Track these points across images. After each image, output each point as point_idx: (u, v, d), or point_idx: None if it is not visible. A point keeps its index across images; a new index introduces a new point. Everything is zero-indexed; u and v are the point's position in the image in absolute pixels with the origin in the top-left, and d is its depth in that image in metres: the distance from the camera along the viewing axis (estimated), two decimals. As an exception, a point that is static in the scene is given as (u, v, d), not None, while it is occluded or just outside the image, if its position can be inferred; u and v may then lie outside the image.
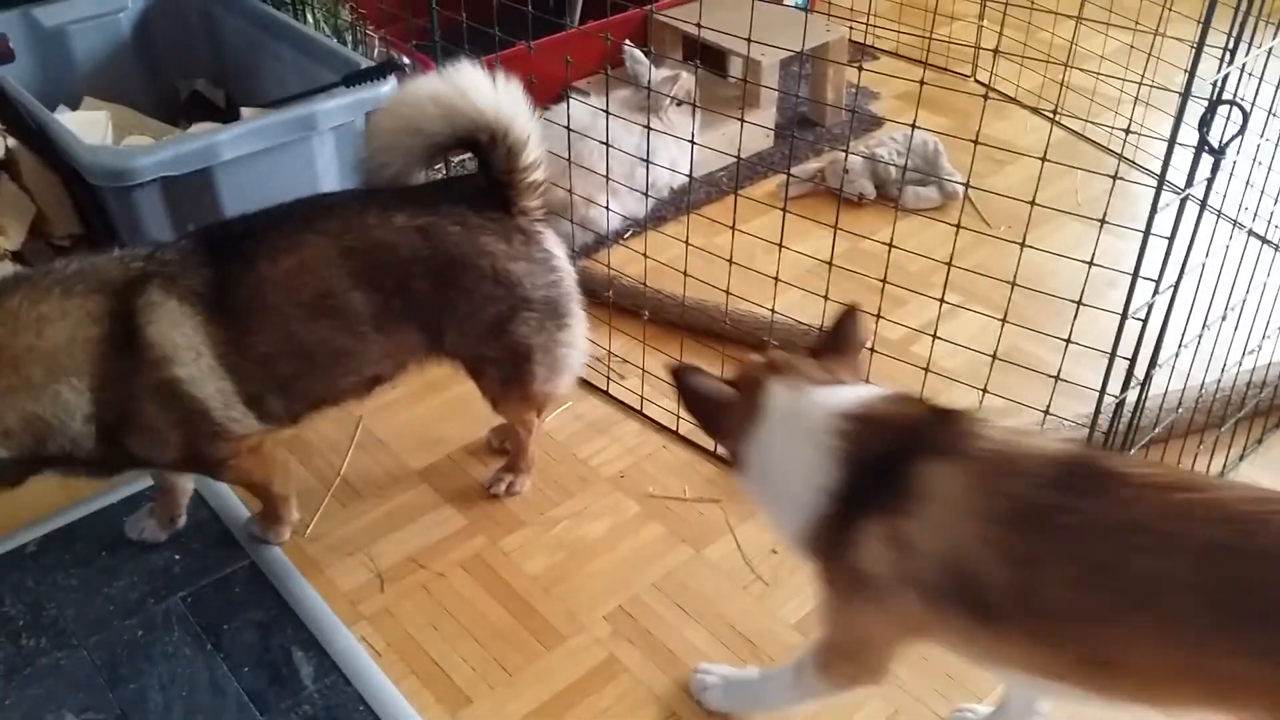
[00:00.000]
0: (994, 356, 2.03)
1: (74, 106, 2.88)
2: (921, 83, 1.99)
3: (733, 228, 2.33)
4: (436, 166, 2.65)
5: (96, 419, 1.79)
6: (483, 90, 1.93)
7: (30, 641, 2.02)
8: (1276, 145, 2.19)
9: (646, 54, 3.33)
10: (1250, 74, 1.85)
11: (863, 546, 1.51)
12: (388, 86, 2.51)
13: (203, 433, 1.90)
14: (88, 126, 2.66)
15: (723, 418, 1.62)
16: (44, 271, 1.82)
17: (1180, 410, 2.30)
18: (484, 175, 2.01)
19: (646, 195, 2.72)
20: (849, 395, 1.56)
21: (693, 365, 1.64)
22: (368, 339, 1.96)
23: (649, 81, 3.07)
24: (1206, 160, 1.71)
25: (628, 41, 3.38)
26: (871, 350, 2.18)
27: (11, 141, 2.34)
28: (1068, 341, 1.90)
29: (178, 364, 1.82)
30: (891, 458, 1.49)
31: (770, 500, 1.67)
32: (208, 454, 1.96)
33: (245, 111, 2.77)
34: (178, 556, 2.20)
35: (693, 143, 2.48)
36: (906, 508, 1.47)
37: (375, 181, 2.03)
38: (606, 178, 2.59)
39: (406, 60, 2.97)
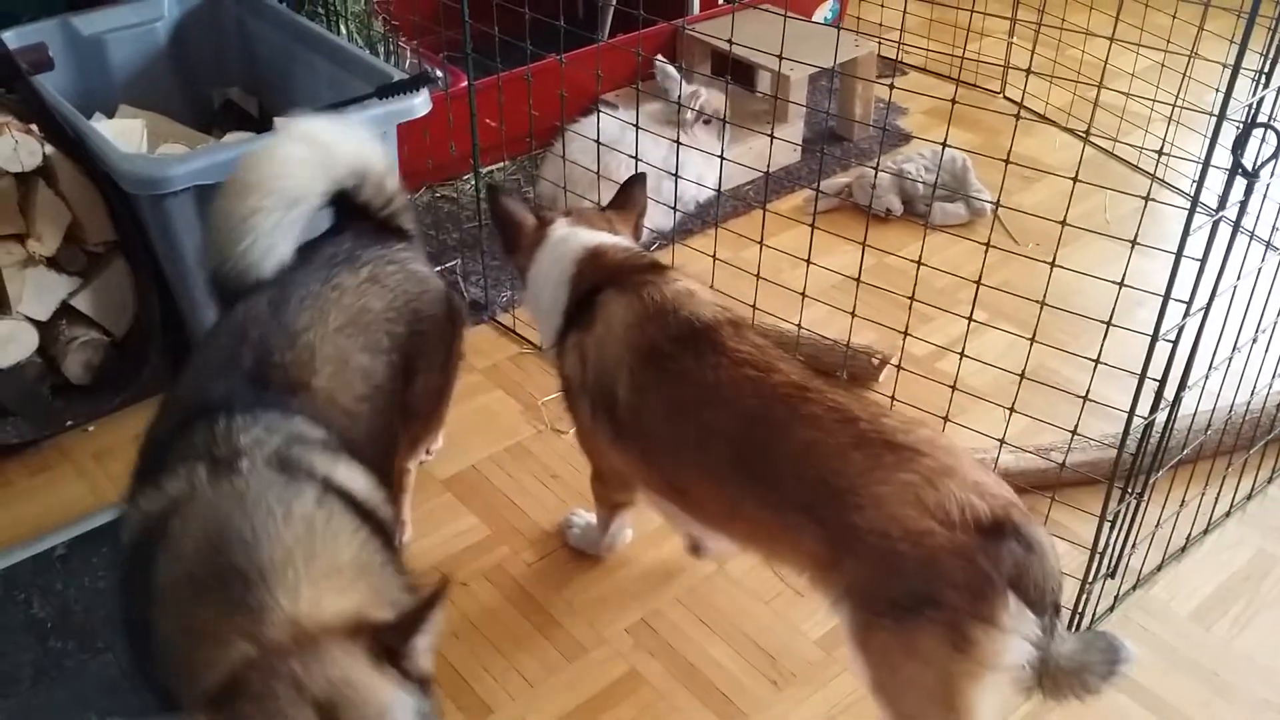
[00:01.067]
0: (1022, 375, 2.02)
1: (110, 114, 2.91)
2: (954, 101, 1.98)
3: (760, 242, 2.33)
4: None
5: None
6: (339, 137, 1.88)
7: (58, 644, 2.04)
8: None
9: (678, 69, 3.34)
10: (1285, 96, 1.84)
11: (566, 355, 1.92)
12: (420, 98, 2.53)
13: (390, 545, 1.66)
14: (123, 134, 2.69)
15: (518, 238, 2.00)
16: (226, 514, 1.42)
17: (1209, 432, 2.28)
18: (363, 217, 1.93)
19: (674, 209, 2.72)
20: (595, 238, 1.95)
21: (507, 189, 1.97)
22: (394, 401, 1.86)
23: (679, 97, 3.08)
24: (1240, 182, 1.70)
25: (660, 57, 3.39)
26: (898, 367, 2.18)
27: (49, 148, 2.36)
28: (1097, 362, 1.89)
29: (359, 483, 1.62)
30: (595, 289, 1.88)
31: (535, 314, 2.04)
32: None
33: (278, 121, 2.79)
34: (204, 561, 2.21)
35: (721, 158, 2.49)
36: (588, 327, 1.87)
37: (253, 276, 1.76)
38: (634, 191, 2.60)
39: (439, 72, 2.99)
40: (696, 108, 3.22)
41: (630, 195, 2.05)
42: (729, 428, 1.70)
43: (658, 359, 1.79)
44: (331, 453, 1.58)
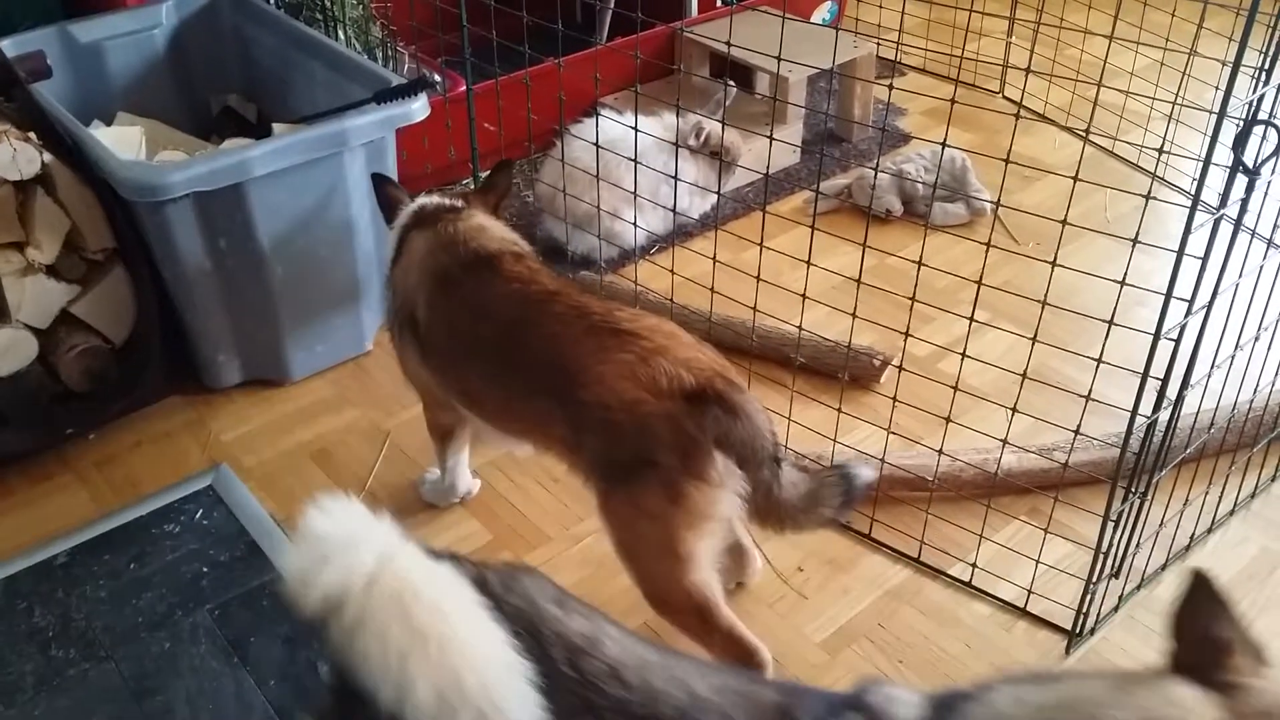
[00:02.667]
0: (1024, 375, 2.02)
1: (109, 121, 2.91)
2: (953, 101, 1.98)
3: (760, 244, 2.32)
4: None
5: None
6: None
7: (59, 652, 2.04)
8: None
9: (725, 85, 3.33)
10: (1285, 93, 1.84)
11: (387, 290, 2.20)
12: (418, 103, 2.53)
13: None
14: (122, 141, 2.69)
15: (391, 213, 2.23)
16: None
17: (1212, 430, 2.27)
18: None
19: (674, 213, 2.72)
20: (424, 200, 2.19)
21: (388, 177, 2.33)
22: None
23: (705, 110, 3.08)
24: (1241, 180, 1.69)
25: (730, 81, 3.36)
26: (899, 368, 2.17)
27: (47, 156, 2.36)
28: (1099, 361, 1.88)
29: None
30: (407, 231, 2.14)
31: (384, 265, 2.26)
32: None
33: (277, 127, 2.79)
34: (205, 569, 2.21)
35: (719, 194, 2.47)
36: (399, 261, 2.14)
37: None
38: (635, 194, 2.60)
39: (437, 77, 2.99)
40: (700, 141, 3.18)
41: (494, 179, 2.25)
42: (496, 334, 1.94)
43: (447, 283, 2.02)
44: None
